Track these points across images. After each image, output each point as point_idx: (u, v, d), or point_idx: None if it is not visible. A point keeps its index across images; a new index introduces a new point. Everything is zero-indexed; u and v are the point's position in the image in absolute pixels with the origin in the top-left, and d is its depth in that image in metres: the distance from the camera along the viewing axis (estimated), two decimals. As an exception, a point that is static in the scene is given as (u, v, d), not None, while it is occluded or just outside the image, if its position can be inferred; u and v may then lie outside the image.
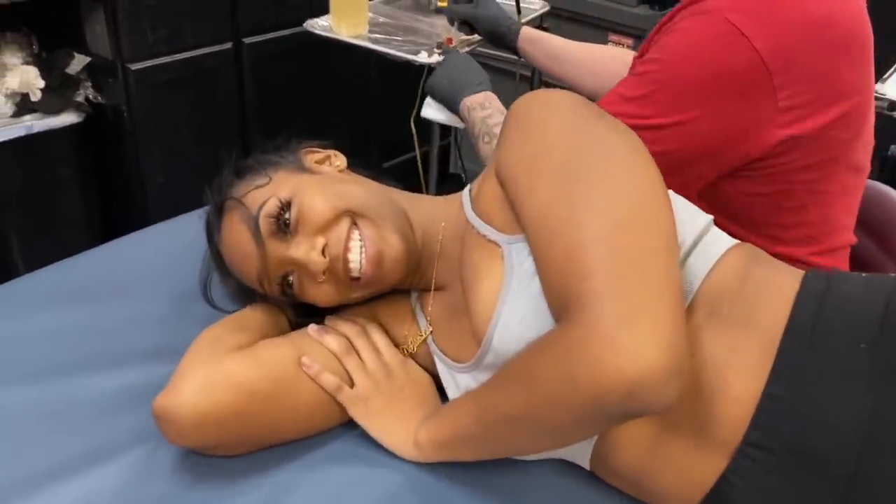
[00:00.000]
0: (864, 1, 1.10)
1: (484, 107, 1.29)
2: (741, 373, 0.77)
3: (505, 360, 0.81)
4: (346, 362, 0.92)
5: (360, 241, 0.90)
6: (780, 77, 0.99)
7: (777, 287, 0.82)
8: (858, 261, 1.24)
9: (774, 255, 0.90)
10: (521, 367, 0.75)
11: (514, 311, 0.81)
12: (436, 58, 1.68)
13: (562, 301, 0.72)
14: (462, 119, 1.34)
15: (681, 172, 1.03)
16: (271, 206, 0.90)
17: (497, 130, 1.18)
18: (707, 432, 0.77)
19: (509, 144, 0.87)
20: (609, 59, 1.47)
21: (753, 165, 1.06)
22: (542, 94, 0.88)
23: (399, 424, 0.90)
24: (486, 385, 0.81)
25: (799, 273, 0.84)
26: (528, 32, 1.54)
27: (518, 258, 0.83)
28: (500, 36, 1.58)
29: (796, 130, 1.02)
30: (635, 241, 0.71)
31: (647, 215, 0.74)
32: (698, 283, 0.81)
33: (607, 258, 0.70)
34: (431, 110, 1.44)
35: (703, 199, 1.08)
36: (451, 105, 1.37)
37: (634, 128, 0.84)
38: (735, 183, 1.08)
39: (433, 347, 0.96)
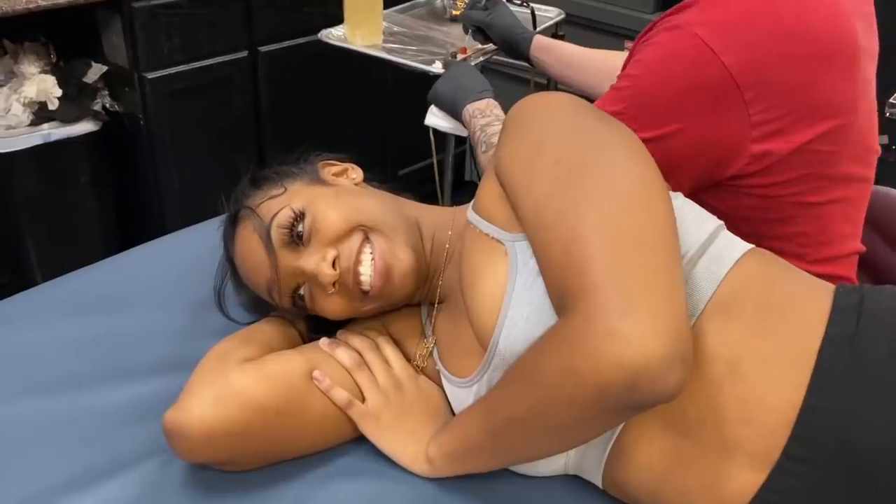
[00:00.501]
0: (856, 17, 1.06)
1: (485, 114, 1.29)
2: (776, 383, 0.75)
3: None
4: (357, 377, 0.92)
5: (371, 254, 0.90)
6: (752, 92, 0.98)
7: (810, 299, 0.80)
8: (872, 267, 1.23)
9: None
10: (523, 366, 0.75)
11: (521, 310, 0.80)
12: (448, 67, 1.68)
13: (561, 296, 0.72)
14: (465, 126, 1.34)
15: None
16: (284, 216, 0.90)
17: (495, 140, 1.18)
18: (739, 445, 0.75)
19: (508, 145, 0.87)
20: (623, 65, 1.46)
21: (732, 181, 1.04)
22: (541, 95, 0.89)
23: (410, 440, 0.89)
24: (492, 390, 0.81)
25: (828, 285, 0.83)
26: (541, 41, 1.53)
27: (523, 256, 0.82)
28: (513, 44, 1.57)
29: (771, 146, 1.01)
30: (632, 233, 0.71)
31: (644, 208, 0.73)
32: (714, 286, 0.80)
33: (604, 250, 0.70)
34: (435, 118, 1.44)
35: None
36: (454, 112, 1.37)
37: None
38: (719, 196, 1.06)
39: (439, 365, 0.95)
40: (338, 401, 0.89)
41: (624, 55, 1.54)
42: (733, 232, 1.06)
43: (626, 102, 1.04)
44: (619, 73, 1.44)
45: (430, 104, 1.45)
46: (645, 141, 0.99)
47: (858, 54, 1.05)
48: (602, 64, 1.48)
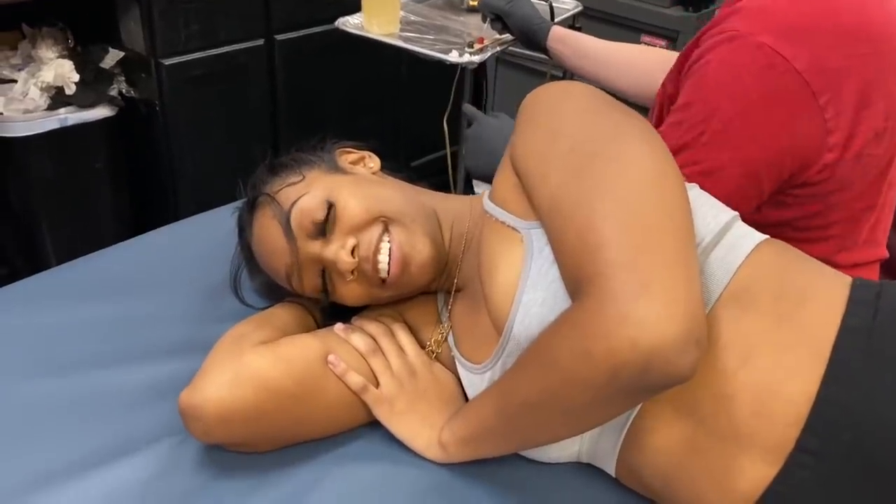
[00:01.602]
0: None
1: None
2: (791, 374, 0.75)
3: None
4: (371, 362, 0.92)
5: (390, 244, 0.90)
6: (825, 96, 0.95)
7: (825, 290, 0.80)
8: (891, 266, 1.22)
9: None
10: (536, 349, 0.75)
11: (535, 296, 0.80)
12: (467, 57, 1.68)
13: (576, 281, 0.72)
14: None
15: (740, 206, 0.94)
16: (304, 203, 0.91)
17: None
18: (752, 436, 0.75)
19: (523, 134, 0.87)
20: (640, 58, 1.45)
21: (797, 189, 1.02)
22: (555, 84, 0.89)
23: (423, 426, 0.90)
24: (506, 374, 0.81)
25: (845, 277, 0.83)
26: (558, 32, 1.53)
27: (538, 244, 0.82)
28: (530, 34, 1.57)
29: (840, 152, 0.98)
30: (646, 219, 0.71)
31: (659, 195, 0.73)
32: (729, 276, 0.80)
33: (618, 234, 0.70)
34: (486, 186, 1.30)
35: None
36: None
37: (690, 177, 0.81)
38: (773, 204, 1.04)
39: (454, 351, 0.95)
40: (352, 385, 0.90)
41: (643, 49, 1.54)
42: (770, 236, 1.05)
43: (696, 130, 0.99)
44: (633, 65, 1.44)
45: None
46: (725, 165, 0.95)
47: None
48: (618, 56, 1.47)
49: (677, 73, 1.10)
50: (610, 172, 0.75)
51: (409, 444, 0.90)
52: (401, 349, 0.95)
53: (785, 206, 1.05)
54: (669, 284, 0.66)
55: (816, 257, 1.04)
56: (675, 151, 0.98)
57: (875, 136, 1.00)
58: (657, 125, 1.10)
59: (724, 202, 0.87)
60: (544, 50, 1.55)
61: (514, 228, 0.86)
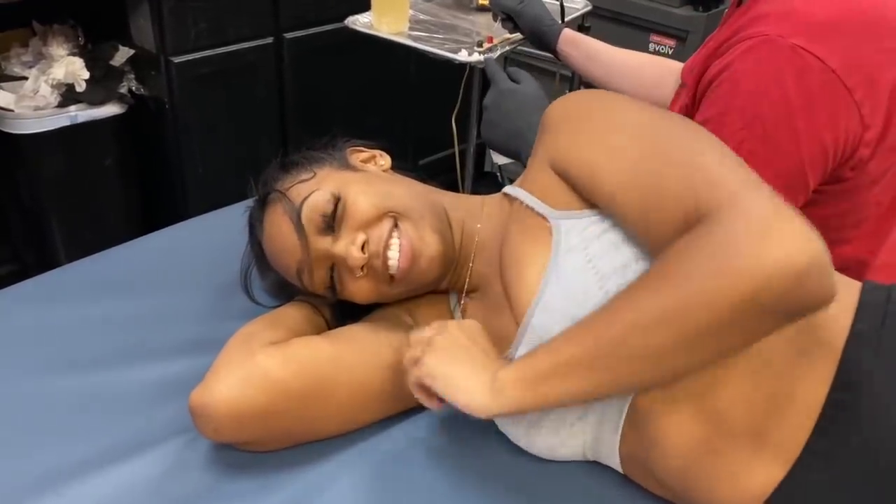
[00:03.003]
0: None
1: None
2: (803, 377, 0.75)
3: (543, 343, 0.75)
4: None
5: (399, 239, 0.90)
6: (860, 92, 0.95)
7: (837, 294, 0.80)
8: None
9: None
10: (660, 268, 0.70)
11: (558, 288, 0.80)
12: (476, 57, 1.68)
13: (690, 215, 0.71)
14: None
15: (794, 203, 0.92)
16: (315, 199, 0.91)
17: None
18: (765, 437, 0.75)
19: (566, 135, 0.87)
20: (649, 65, 1.45)
21: (832, 185, 1.02)
22: (588, 91, 0.90)
23: (469, 369, 0.79)
24: (612, 299, 0.73)
25: (854, 283, 0.83)
26: (568, 34, 1.52)
27: (567, 235, 0.82)
28: (541, 35, 1.56)
29: (874, 147, 0.99)
30: (742, 169, 0.73)
31: (737, 159, 0.75)
32: None
33: (730, 173, 0.72)
34: (503, 158, 1.21)
35: None
36: (518, 158, 1.14)
37: None
38: (809, 201, 1.03)
39: None
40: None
41: (651, 57, 1.53)
42: None
43: (740, 136, 0.97)
44: (642, 72, 1.43)
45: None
46: (775, 174, 0.93)
47: None
48: (628, 63, 1.47)
49: (694, 84, 1.08)
50: (687, 143, 0.77)
51: (456, 386, 0.78)
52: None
53: (816, 205, 1.04)
54: (794, 215, 0.66)
55: (849, 257, 1.05)
56: None
57: None
58: None
59: None
60: (554, 52, 1.55)
61: (543, 217, 0.86)
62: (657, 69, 1.42)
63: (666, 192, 0.74)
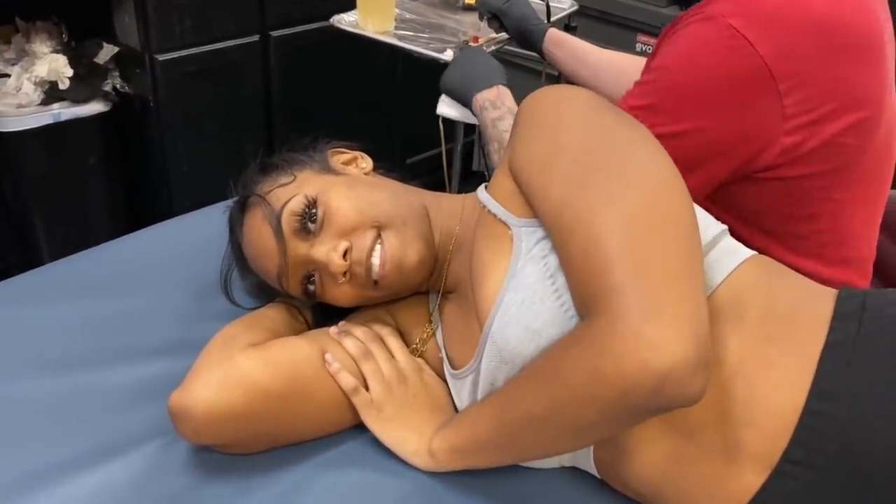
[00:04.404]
0: (878, 5, 1.06)
1: (496, 105, 1.26)
2: (778, 387, 0.75)
3: (504, 350, 0.80)
4: (362, 366, 0.92)
5: (381, 248, 0.90)
6: (787, 83, 0.98)
7: (812, 304, 0.80)
8: (883, 272, 1.22)
9: (788, 265, 0.89)
10: (544, 365, 0.74)
11: (516, 296, 0.80)
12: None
13: (584, 298, 0.72)
14: (475, 116, 1.32)
15: (690, 177, 1.00)
16: (295, 203, 0.90)
17: (506, 136, 1.17)
18: (740, 446, 0.75)
19: (523, 140, 0.86)
20: (634, 67, 1.45)
21: (762, 172, 1.04)
22: (555, 89, 0.88)
23: (412, 433, 0.89)
24: (507, 386, 0.80)
25: (831, 291, 0.83)
26: (554, 34, 1.52)
27: (526, 244, 0.82)
28: (526, 35, 1.57)
29: (802, 137, 1.01)
30: (653, 233, 0.70)
31: (664, 207, 0.73)
32: (709, 291, 0.79)
33: (625, 251, 0.69)
34: (446, 107, 1.42)
35: (716, 202, 1.07)
36: (465, 102, 1.35)
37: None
38: (746, 188, 1.06)
39: (442, 353, 0.95)
40: (344, 385, 0.89)
41: (635, 58, 1.54)
42: (756, 227, 1.06)
43: (657, 95, 1.03)
44: (626, 74, 1.44)
45: (442, 93, 1.44)
46: (677, 134, 0.99)
47: (884, 46, 1.05)
48: (612, 64, 1.47)
49: (652, 58, 1.14)
50: (613, 184, 0.74)
51: (396, 450, 0.89)
52: (391, 355, 0.94)
53: (761, 196, 1.06)
54: (679, 306, 0.66)
55: (811, 252, 1.05)
56: (636, 108, 1.04)
57: (849, 127, 1.02)
58: None
59: (681, 168, 0.84)
60: (540, 51, 1.55)
61: (505, 224, 0.85)
62: (641, 70, 1.42)
63: (571, 255, 0.74)
